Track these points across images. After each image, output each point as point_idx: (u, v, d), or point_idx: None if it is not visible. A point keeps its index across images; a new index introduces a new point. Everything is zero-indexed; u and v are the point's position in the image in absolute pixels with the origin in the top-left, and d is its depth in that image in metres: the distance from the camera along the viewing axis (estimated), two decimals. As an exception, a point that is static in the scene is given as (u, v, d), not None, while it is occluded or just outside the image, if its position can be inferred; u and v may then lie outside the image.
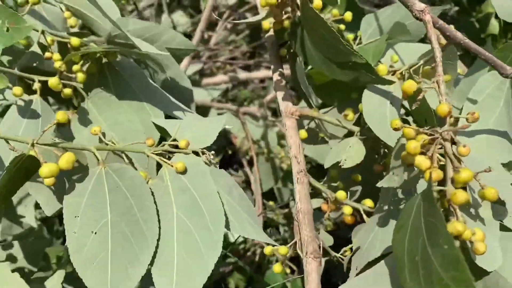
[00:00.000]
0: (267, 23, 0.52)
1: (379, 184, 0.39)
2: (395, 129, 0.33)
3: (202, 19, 0.89)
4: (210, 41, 1.52)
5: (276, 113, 1.43)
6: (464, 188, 0.32)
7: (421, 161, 0.32)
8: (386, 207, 0.44)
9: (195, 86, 1.42)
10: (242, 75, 1.47)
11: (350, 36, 0.57)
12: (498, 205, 0.38)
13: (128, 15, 1.37)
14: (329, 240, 0.45)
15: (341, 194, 0.45)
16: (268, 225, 1.22)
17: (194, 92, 1.46)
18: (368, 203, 0.47)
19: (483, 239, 0.31)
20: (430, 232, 0.28)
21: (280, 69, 0.53)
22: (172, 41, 0.60)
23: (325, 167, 0.44)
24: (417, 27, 0.60)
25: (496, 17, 1.22)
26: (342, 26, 0.57)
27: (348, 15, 0.54)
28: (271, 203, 1.21)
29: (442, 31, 0.36)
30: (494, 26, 1.21)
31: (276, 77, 0.52)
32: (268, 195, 1.25)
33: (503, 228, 0.39)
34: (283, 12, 0.45)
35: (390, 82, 0.43)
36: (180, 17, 1.72)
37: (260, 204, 1.06)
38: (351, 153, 0.44)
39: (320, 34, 0.41)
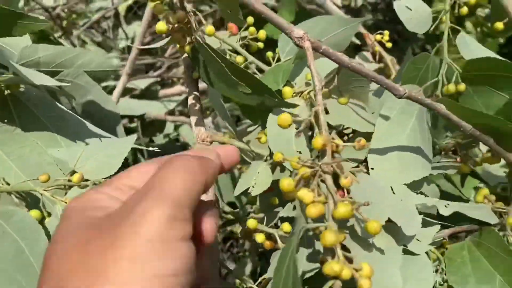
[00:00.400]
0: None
1: (280, 214, 0.38)
2: (277, 163, 0.32)
3: (140, 33, 0.86)
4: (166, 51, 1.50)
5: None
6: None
7: (304, 195, 0.31)
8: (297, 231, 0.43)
9: (151, 99, 1.39)
10: (203, 85, 1.45)
11: (269, 54, 0.55)
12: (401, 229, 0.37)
13: (80, 30, 1.33)
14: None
15: (252, 223, 0.43)
16: (229, 238, 1.21)
17: (149, 105, 1.43)
18: (285, 227, 0.45)
19: (370, 275, 0.30)
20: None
21: (195, 92, 0.52)
22: (89, 64, 0.58)
23: (234, 194, 0.43)
24: (344, 37, 0.59)
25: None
26: (261, 44, 0.56)
27: (262, 33, 0.53)
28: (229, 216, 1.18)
29: (327, 56, 0.34)
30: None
31: (190, 100, 0.51)
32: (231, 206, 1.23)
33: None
34: (185, 37, 0.43)
35: (293, 106, 0.42)
36: (138, 27, 1.70)
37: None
38: (259, 179, 0.43)
39: (215, 62, 0.40)
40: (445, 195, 0.59)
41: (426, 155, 0.46)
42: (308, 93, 0.43)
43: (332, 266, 0.28)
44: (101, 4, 1.48)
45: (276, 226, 0.46)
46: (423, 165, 0.45)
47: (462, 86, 0.47)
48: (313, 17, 0.57)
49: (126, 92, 1.35)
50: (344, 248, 0.31)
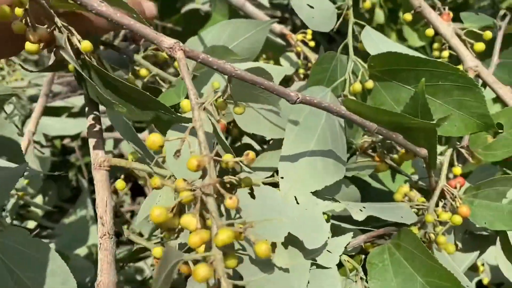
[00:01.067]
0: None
1: (178, 241, 0.35)
2: (156, 188, 0.28)
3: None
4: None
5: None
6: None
7: (187, 222, 0.27)
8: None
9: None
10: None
11: (176, 64, 0.52)
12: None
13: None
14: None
15: (157, 251, 0.40)
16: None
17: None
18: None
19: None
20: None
21: (95, 112, 0.47)
22: (-19, 92, 0.53)
23: (136, 223, 0.39)
24: (256, 40, 0.56)
25: (380, 6, 1.23)
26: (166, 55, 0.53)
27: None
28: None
29: (207, 65, 0.32)
30: (379, 16, 1.22)
31: (89, 121, 0.46)
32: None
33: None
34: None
35: (188, 120, 0.38)
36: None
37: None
38: (161, 203, 0.39)
39: (94, 79, 0.36)
40: (374, 193, 0.58)
41: (339, 157, 0.44)
42: (212, 103, 0.40)
43: (213, 303, 0.25)
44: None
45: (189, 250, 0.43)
46: (336, 169, 0.43)
47: (369, 83, 0.45)
48: (218, 23, 0.54)
49: (63, 111, 1.30)
50: (236, 273, 0.28)
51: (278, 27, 0.79)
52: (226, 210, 0.30)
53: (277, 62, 0.78)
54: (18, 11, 0.32)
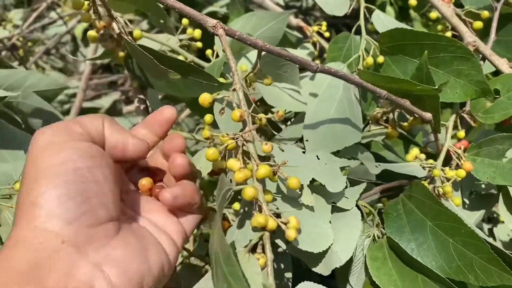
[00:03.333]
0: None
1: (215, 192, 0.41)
2: (208, 139, 0.35)
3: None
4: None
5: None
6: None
7: (232, 164, 0.34)
8: (244, 209, 0.46)
9: (116, 117, 1.42)
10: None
11: (209, 52, 0.59)
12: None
13: (35, 57, 1.35)
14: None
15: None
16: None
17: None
18: (235, 206, 0.49)
19: (297, 226, 0.33)
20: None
21: (141, 96, 0.55)
22: (39, 84, 0.61)
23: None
24: (276, 29, 0.63)
25: (391, 3, 1.29)
26: (199, 44, 0.60)
27: (197, 32, 0.56)
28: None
29: (242, 41, 0.38)
30: (389, 12, 1.28)
31: (136, 103, 0.54)
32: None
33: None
34: (118, 45, 0.47)
35: (227, 87, 0.45)
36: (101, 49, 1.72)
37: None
38: (203, 162, 0.46)
39: (144, 58, 0.43)
40: (388, 162, 0.64)
41: (356, 124, 0.50)
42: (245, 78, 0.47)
43: (258, 219, 0.31)
44: (56, 30, 1.50)
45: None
46: (354, 133, 0.50)
47: (380, 58, 0.51)
48: (243, 15, 0.61)
49: (91, 112, 1.38)
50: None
51: (294, 21, 0.86)
52: (260, 158, 0.37)
53: (295, 53, 0.85)
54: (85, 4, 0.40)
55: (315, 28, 0.81)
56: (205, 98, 0.35)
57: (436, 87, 0.45)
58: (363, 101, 0.57)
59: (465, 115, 0.52)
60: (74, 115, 0.89)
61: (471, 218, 0.58)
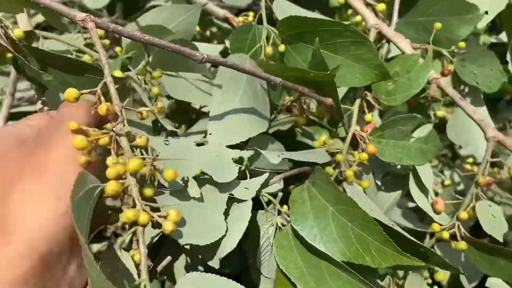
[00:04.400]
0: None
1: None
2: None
3: None
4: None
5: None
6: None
7: (108, 160, 0.34)
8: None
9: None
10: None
11: (118, 49, 0.58)
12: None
13: None
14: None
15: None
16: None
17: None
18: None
19: (176, 219, 0.33)
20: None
21: (43, 98, 0.53)
22: None
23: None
24: (189, 23, 0.62)
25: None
26: (107, 42, 0.59)
27: (100, 31, 0.55)
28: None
29: (118, 34, 0.38)
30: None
31: (38, 105, 0.52)
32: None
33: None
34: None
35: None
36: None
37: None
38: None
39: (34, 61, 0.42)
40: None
41: (262, 114, 0.50)
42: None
43: (127, 214, 0.31)
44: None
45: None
46: (259, 123, 0.50)
47: (281, 47, 0.51)
48: (154, 9, 0.60)
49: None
50: (153, 201, 0.35)
51: (221, 12, 0.85)
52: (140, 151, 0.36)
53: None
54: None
55: (241, 19, 0.81)
56: (69, 93, 0.34)
57: (328, 73, 0.45)
58: (273, 90, 0.57)
59: (370, 99, 0.53)
60: (2, 119, 0.86)
61: (387, 200, 0.59)
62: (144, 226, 0.32)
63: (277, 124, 0.54)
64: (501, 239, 0.49)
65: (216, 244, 0.38)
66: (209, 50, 0.62)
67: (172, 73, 0.51)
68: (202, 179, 0.40)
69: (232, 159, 0.44)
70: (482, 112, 0.61)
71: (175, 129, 0.49)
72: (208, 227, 0.37)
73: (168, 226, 0.32)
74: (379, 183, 0.56)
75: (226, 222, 0.39)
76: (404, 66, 0.50)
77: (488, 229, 0.49)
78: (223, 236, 0.38)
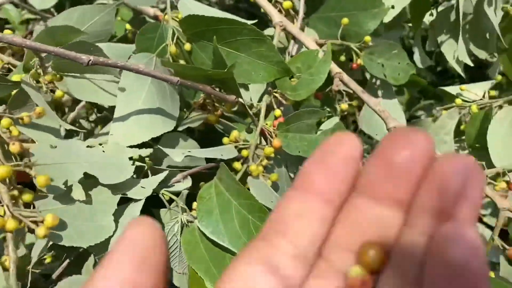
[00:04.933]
0: None
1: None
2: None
3: None
4: None
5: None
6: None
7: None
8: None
9: None
10: None
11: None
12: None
13: None
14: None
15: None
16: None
17: None
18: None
19: (52, 224, 0.33)
20: None
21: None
22: None
23: None
24: (105, 22, 0.62)
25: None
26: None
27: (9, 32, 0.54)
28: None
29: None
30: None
31: None
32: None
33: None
34: None
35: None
36: None
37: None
38: None
39: None
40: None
41: (169, 113, 0.51)
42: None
43: (-5, 222, 0.31)
44: None
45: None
46: (165, 123, 0.50)
47: (187, 46, 0.52)
48: (65, 11, 0.59)
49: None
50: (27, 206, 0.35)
51: (151, 10, 0.85)
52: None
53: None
54: None
55: (169, 16, 0.81)
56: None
57: (226, 70, 0.46)
58: (187, 89, 0.57)
59: (277, 95, 0.54)
60: None
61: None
62: (11, 232, 0.32)
63: (188, 122, 0.55)
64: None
65: (106, 244, 0.39)
66: (125, 50, 0.62)
67: (76, 74, 0.51)
68: (94, 181, 0.40)
69: (133, 159, 0.45)
70: (392, 104, 0.63)
71: (81, 130, 0.49)
72: (95, 228, 0.38)
73: (40, 232, 0.33)
74: (292, 175, 0.57)
75: (118, 222, 0.39)
76: (306, 62, 0.52)
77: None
78: (111, 236, 0.38)
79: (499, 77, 0.63)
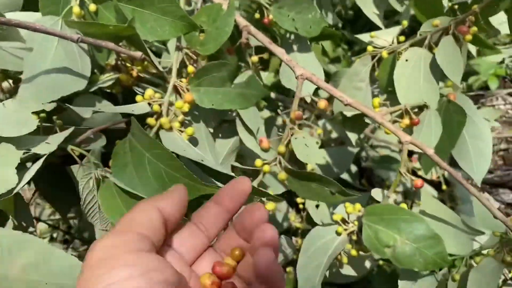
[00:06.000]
0: None
1: None
2: None
3: None
4: None
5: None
6: None
7: None
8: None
9: None
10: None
11: None
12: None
13: None
14: None
15: None
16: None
17: None
18: None
19: None
20: None
21: None
22: None
23: None
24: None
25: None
26: None
27: None
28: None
29: None
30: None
31: None
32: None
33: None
34: None
35: None
36: None
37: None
38: None
39: None
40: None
41: (79, 73, 0.51)
42: None
43: None
44: None
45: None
46: (75, 83, 0.51)
47: (92, 7, 0.52)
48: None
49: None
50: None
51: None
52: None
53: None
54: None
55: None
56: None
57: (126, 25, 0.47)
58: (98, 51, 0.58)
59: (187, 51, 0.55)
60: None
61: (226, 145, 0.63)
62: None
63: (100, 83, 0.55)
64: (313, 165, 0.54)
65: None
66: (34, 17, 0.61)
67: (-20, 42, 0.51)
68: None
69: (39, 116, 0.45)
70: (308, 57, 0.65)
71: None
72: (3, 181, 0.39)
73: None
74: (211, 130, 0.59)
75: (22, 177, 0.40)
76: (210, 15, 0.53)
77: (301, 157, 0.53)
78: (14, 188, 0.39)
79: (405, 22, 0.66)
